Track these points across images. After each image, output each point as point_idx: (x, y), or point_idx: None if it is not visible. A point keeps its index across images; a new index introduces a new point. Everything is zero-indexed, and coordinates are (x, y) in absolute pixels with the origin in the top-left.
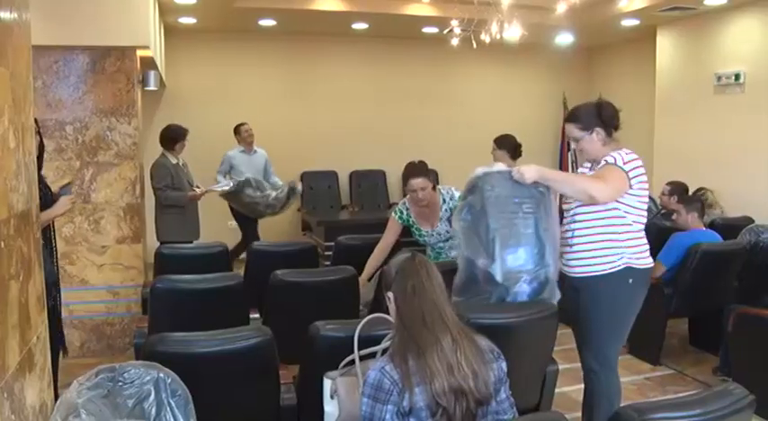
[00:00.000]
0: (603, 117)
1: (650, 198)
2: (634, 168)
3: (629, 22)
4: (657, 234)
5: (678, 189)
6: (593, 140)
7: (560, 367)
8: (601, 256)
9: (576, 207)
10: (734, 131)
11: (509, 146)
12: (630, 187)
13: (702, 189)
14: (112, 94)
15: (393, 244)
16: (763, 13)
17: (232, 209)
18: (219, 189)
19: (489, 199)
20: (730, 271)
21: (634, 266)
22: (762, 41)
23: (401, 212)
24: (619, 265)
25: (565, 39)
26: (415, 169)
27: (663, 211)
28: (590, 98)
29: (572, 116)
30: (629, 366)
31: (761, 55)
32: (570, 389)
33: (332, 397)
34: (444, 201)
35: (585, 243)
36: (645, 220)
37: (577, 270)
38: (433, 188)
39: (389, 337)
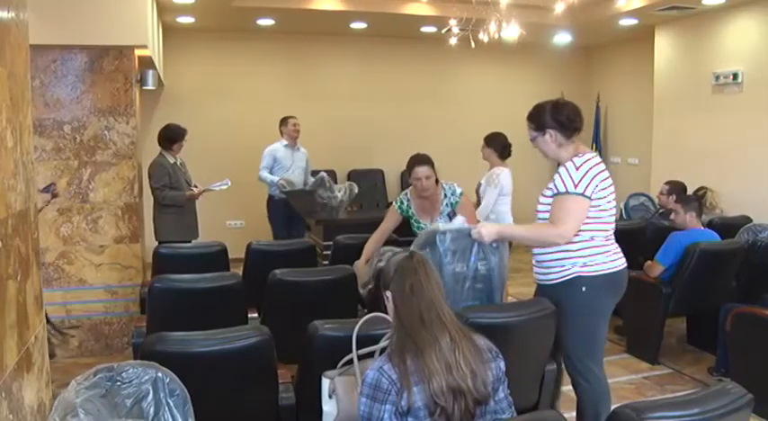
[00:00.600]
0: (559, 118)
1: (648, 197)
2: (588, 184)
3: (627, 22)
4: (656, 233)
5: (676, 188)
6: (546, 142)
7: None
8: (551, 266)
9: (540, 208)
10: (732, 131)
11: (498, 145)
12: (590, 200)
13: (702, 188)
14: (110, 93)
15: (390, 230)
16: (761, 13)
17: (270, 210)
18: (218, 188)
19: (445, 256)
20: (728, 270)
21: (584, 275)
22: (760, 41)
23: (401, 202)
24: (568, 275)
25: (563, 38)
26: (421, 158)
27: (661, 211)
28: (588, 97)
29: (529, 115)
30: (627, 365)
31: (759, 54)
32: (569, 389)
33: (330, 396)
34: (446, 195)
35: (541, 253)
36: (606, 226)
37: (538, 277)
38: (436, 182)
39: (388, 337)
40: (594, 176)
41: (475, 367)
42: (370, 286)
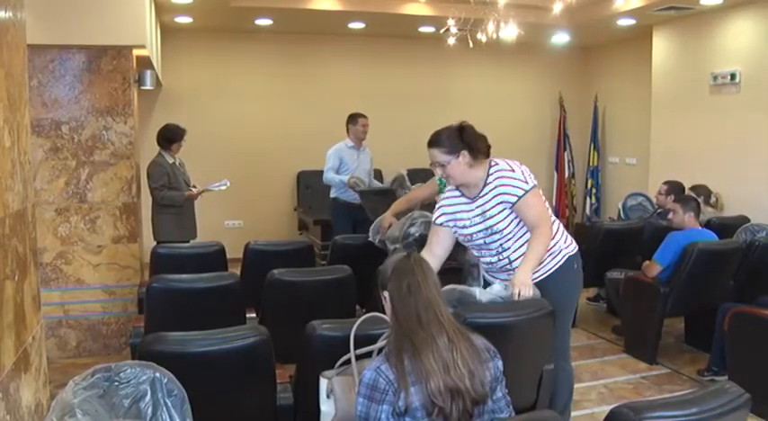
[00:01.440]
0: (466, 139)
1: (646, 197)
2: (529, 174)
3: (625, 22)
4: (653, 233)
5: (675, 188)
6: (459, 164)
7: None
8: (546, 257)
9: (505, 231)
10: (730, 131)
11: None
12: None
13: (697, 186)
14: (108, 93)
15: (422, 199)
16: (759, 13)
17: (333, 213)
18: (217, 188)
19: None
20: (726, 270)
21: (572, 253)
22: (757, 41)
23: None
24: (562, 259)
25: (561, 38)
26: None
27: (659, 211)
28: (586, 97)
29: (435, 141)
30: (625, 365)
31: (756, 54)
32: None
33: (328, 396)
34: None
35: (524, 253)
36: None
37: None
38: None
39: (385, 336)
40: (525, 169)
41: (472, 367)
42: (397, 245)
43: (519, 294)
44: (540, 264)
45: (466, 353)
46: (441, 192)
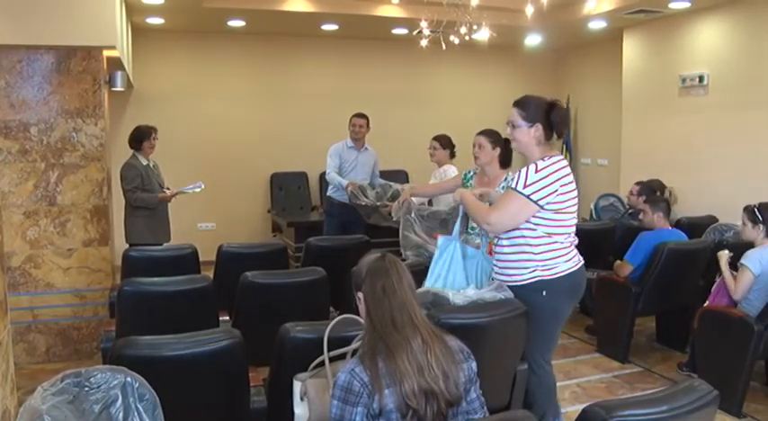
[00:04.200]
0: (552, 117)
1: (618, 198)
2: (540, 190)
3: (596, 25)
4: (625, 233)
5: (646, 189)
6: (529, 134)
7: None
8: (514, 268)
9: None
10: (698, 132)
11: (450, 146)
12: (541, 208)
13: (651, 181)
14: (78, 94)
15: (444, 190)
16: (726, 17)
17: (327, 210)
18: (191, 191)
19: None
20: (695, 269)
21: (545, 278)
22: (724, 44)
23: (468, 172)
24: (530, 278)
25: (533, 40)
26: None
27: (630, 211)
28: (558, 99)
29: (521, 102)
30: (597, 364)
31: (723, 57)
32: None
33: (302, 399)
34: (506, 179)
35: (504, 254)
36: (567, 229)
37: (500, 278)
38: (504, 166)
39: (359, 338)
40: (552, 183)
41: (446, 368)
42: (394, 219)
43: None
44: (506, 266)
45: (440, 355)
46: (464, 186)
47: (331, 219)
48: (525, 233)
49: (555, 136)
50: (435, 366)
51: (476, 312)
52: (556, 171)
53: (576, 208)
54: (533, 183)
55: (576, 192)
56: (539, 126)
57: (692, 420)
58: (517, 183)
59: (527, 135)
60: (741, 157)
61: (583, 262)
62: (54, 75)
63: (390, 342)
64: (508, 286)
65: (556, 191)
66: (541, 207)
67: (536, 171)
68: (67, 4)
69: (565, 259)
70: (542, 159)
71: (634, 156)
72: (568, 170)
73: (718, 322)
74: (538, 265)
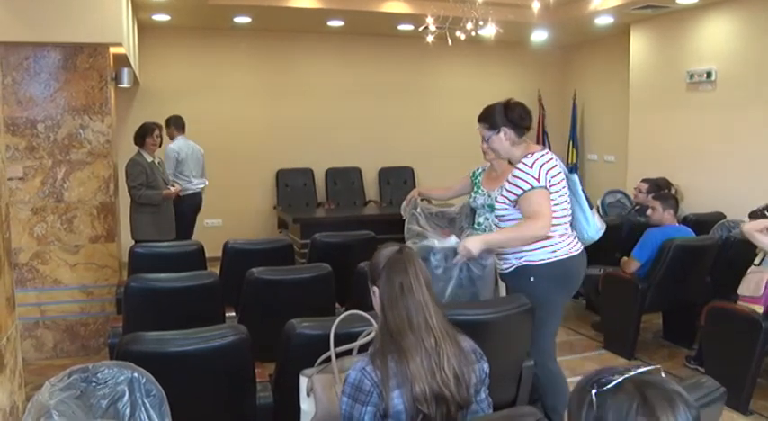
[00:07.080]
0: (511, 117)
1: (624, 194)
2: (544, 176)
3: (603, 20)
4: (632, 229)
5: (654, 186)
6: (500, 140)
7: None
8: (503, 255)
9: (498, 210)
10: (706, 128)
11: None
12: (550, 193)
13: (661, 178)
14: (85, 91)
15: (455, 191)
16: (734, 13)
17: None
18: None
19: (435, 272)
20: (703, 266)
21: (532, 264)
22: (733, 39)
23: (477, 169)
24: (517, 264)
25: (539, 36)
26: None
27: (637, 207)
28: (565, 95)
29: (481, 116)
30: (604, 361)
31: (731, 53)
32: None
33: (308, 394)
34: (489, 195)
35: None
36: (559, 220)
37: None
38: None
39: (366, 333)
40: (548, 171)
41: (458, 371)
42: (403, 218)
43: (464, 248)
44: (505, 256)
45: (452, 357)
46: (473, 183)
47: None
48: (512, 223)
49: (525, 130)
50: (447, 369)
51: (482, 308)
52: (544, 163)
53: (565, 200)
54: (537, 174)
55: (564, 184)
56: (505, 129)
57: None
58: (528, 183)
59: (500, 141)
60: (749, 153)
61: (579, 252)
62: (61, 72)
63: (403, 343)
64: (501, 274)
65: (549, 181)
66: (550, 192)
67: (530, 166)
68: (74, 2)
69: (552, 249)
70: (526, 157)
71: (641, 152)
72: (555, 163)
73: (726, 319)
74: (526, 253)
